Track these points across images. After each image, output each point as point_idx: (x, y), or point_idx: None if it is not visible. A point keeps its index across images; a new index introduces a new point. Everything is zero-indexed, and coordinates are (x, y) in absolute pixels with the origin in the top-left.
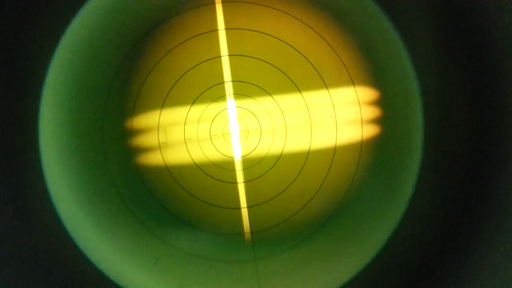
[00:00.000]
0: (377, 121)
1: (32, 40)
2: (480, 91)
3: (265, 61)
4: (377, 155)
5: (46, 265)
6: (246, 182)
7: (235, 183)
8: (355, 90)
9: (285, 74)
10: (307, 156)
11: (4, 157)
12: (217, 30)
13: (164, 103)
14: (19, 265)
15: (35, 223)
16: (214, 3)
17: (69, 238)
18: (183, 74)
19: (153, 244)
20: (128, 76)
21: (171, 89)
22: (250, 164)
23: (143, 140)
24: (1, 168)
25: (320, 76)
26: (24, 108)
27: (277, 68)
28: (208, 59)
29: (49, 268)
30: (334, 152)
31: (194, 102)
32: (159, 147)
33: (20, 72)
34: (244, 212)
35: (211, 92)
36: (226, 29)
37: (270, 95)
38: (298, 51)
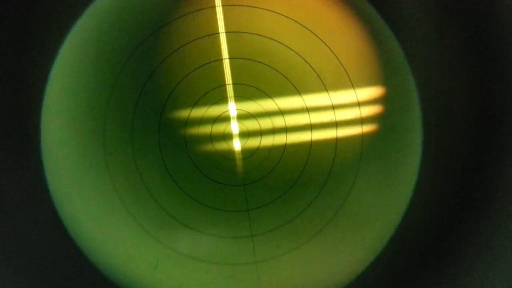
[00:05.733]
0: (376, 122)
1: (37, 39)
2: (480, 89)
3: (265, 64)
4: (377, 156)
5: (48, 267)
6: (246, 184)
7: (236, 185)
8: (355, 91)
9: (285, 76)
10: (308, 158)
11: (6, 157)
12: (218, 33)
13: (165, 105)
14: (21, 266)
15: (36, 226)
16: (214, 7)
17: (71, 241)
18: (184, 77)
19: (154, 247)
20: (131, 77)
21: (172, 91)
22: (251, 166)
23: (143, 142)
24: (3, 170)
25: (320, 78)
26: (27, 106)
27: (276, 70)
28: (209, 62)
29: (51, 270)
30: (335, 154)
31: (195, 104)
32: (159, 149)
33: (24, 69)
34: (245, 215)
35: (212, 94)
36: (226, 32)
37: (270, 97)
38: (298, 54)
